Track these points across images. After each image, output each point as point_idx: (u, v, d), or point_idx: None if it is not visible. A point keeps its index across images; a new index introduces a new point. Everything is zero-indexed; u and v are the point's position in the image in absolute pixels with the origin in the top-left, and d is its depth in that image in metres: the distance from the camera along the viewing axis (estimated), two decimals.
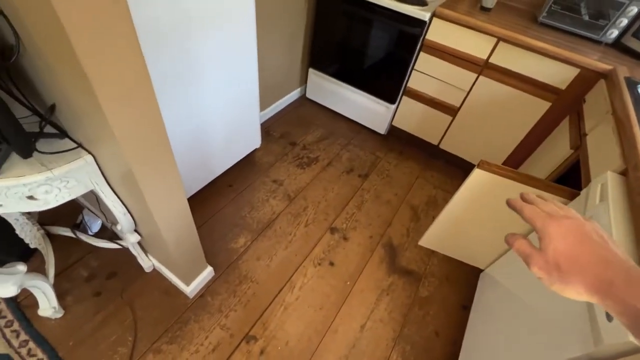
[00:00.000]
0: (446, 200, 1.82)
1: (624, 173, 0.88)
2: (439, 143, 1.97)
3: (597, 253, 0.30)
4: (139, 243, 1.20)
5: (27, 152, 0.69)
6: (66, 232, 1.28)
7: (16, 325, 1.07)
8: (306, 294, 1.33)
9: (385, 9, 1.64)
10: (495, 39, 1.47)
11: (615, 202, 0.78)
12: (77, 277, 1.23)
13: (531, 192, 1.05)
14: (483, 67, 1.57)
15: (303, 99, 2.35)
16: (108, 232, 1.37)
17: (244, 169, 1.76)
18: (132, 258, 1.28)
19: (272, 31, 1.72)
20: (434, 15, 1.56)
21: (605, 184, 0.84)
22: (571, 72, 1.38)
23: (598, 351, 0.59)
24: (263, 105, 2.01)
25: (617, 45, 1.47)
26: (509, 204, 0.39)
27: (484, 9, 1.59)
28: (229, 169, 1.69)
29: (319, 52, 2.07)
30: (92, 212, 1.36)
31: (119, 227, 1.08)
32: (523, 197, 0.38)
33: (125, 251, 1.29)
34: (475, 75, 1.61)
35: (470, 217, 1.27)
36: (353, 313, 1.31)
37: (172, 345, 1.13)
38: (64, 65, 0.57)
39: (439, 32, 1.59)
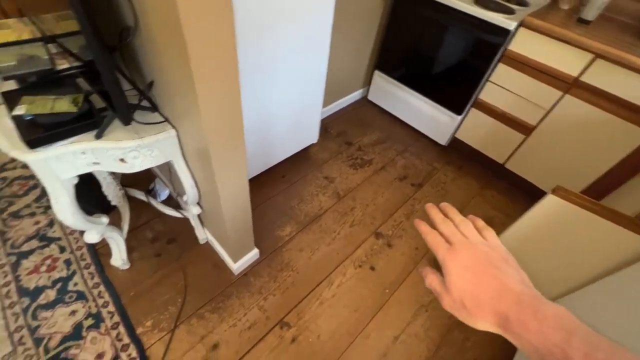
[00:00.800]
0: (505, 225, 1.69)
1: None
2: (505, 162, 1.83)
3: (493, 286, 0.29)
4: (199, 216, 1.31)
5: (127, 120, 0.79)
6: (140, 195, 1.44)
7: (92, 269, 1.24)
8: (343, 293, 1.34)
9: (465, 15, 1.56)
10: (591, 55, 1.32)
11: None
12: (143, 237, 1.38)
13: (614, 228, 0.93)
14: (571, 85, 1.42)
15: (364, 100, 2.34)
16: (173, 201, 1.51)
17: (298, 162, 1.82)
18: (190, 229, 1.39)
19: (345, 29, 1.74)
20: (521, 24, 1.45)
21: None
22: None
23: None
24: (324, 102, 2.05)
25: None
26: (416, 223, 0.38)
27: (582, 21, 1.44)
28: (285, 160, 1.76)
29: (388, 54, 2.05)
30: (163, 182, 1.51)
31: (184, 198, 1.18)
32: (440, 210, 0.37)
33: (186, 221, 1.41)
34: (561, 93, 1.46)
35: (533, 247, 1.16)
36: (388, 322, 1.28)
37: (214, 314, 1.21)
38: (171, 48, 0.65)
39: (525, 43, 1.47)
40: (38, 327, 1.08)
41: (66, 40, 0.97)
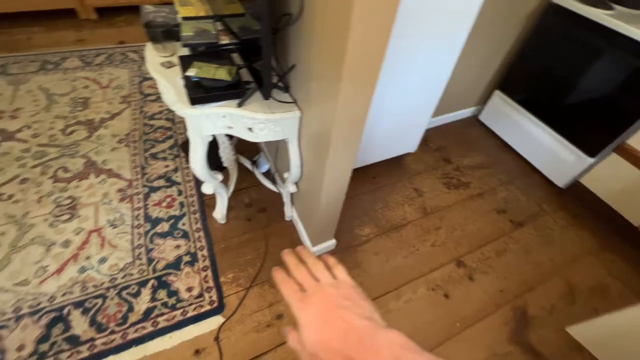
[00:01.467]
0: (623, 298, 1.40)
1: None
2: None
3: (340, 328, 0.29)
4: (292, 194, 1.40)
5: (267, 95, 0.89)
6: (247, 163, 1.61)
7: (197, 216, 1.44)
8: (409, 310, 1.28)
9: (628, 40, 1.31)
10: None
11: None
12: (240, 201, 1.55)
13: None
14: None
15: (473, 119, 2.18)
16: (270, 175, 1.65)
17: (391, 168, 1.79)
18: (280, 204, 1.50)
19: (478, 40, 1.63)
20: None
21: None
22: None
23: None
24: (433, 113, 1.97)
25: None
26: (274, 271, 0.38)
27: None
28: (378, 162, 1.75)
29: (516, 74, 1.85)
30: (266, 156, 1.66)
31: (285, 175, 1.28)
32: (295, 254, 0.37)
33: (278, 196, 1.53)
34: None
35: None
36: (452, 357, 1.18)
37: None
38: (328, 38, 0.70)
39: None
40: (152, 249, 1.31)
41: (230, 20, 1.13)
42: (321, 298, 0.33)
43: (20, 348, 1.04)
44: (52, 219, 1.35)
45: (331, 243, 1.40)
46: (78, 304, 1.14)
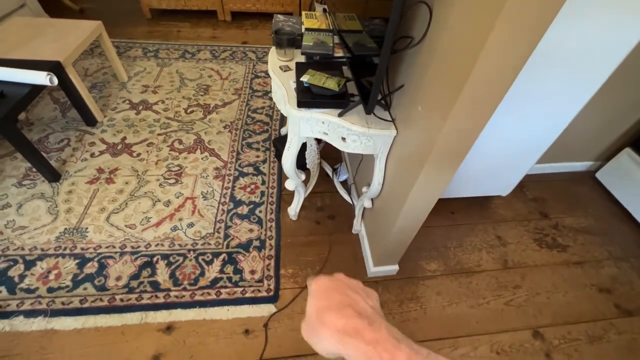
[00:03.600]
0: None
1: None
2: None
3: (339, 300, 0.33)
4: (365, 209, 1.40)
5: (371, 110, 0.92)
6: (328, 169, 1.67)
7: (273, 207, 1.55)
8: None
9: None
10: None
11: None
12: (314, 203, 1.61)
13: None
14: None
15: (587, 176, 1.87)
16: (347, 186, 1.68)
17: (474, 207, 1.66)
18: (351, 216, 1.52)
19: (613, 89, 1.42)
20: None
21: None
22: None
23: None
24: (541, 157, 1.76)
25: None
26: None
27: None
28: (461, 198, 1.64)
29: None
30: (346, 167, 1.70)
31: (364, 189, 1.29)
32: None
33: (349, 207, 1.55)
34: None
35: None
36: None
37: None
38: (449, 70, 0.69)
39: None
40: (230, 227, 1.46)
41: (347, 35, 1.20)
42: (330, 278, 0.36)
43: (118, 278, 1.26)
44: (162, 180, 1.60)
45: (393, 268, 1.35)
46: (165, 256, 1.33)
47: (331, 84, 1.01)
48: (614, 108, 1.54)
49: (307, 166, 1.63)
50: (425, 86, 0.81)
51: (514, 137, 1.29)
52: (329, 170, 1.67)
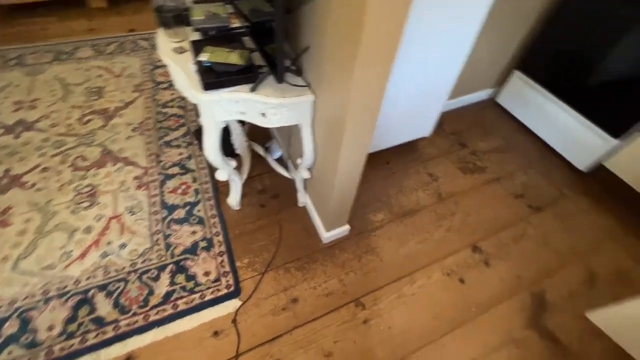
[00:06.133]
0: None
1: None
2: None
3: None
4: (305, 180, 1.40)
5: (281, 79, 0.88)
6: (260, 150, 1.61)
7: (212, 202, 1.46)
8: (424, 295, 1.28)
9: None
10: None
11: None
12: (254, 187, 1.55)
13: None
14: None
15: (491, 102, 2.10)
16: (283, 162, 1.65)
17: (404, 153, 1.76)
18: (293, 190, 1.50)
19: (497, 18, 1.56)
20: None
21: None
22: None
23: None
24: (450, 94, 1.91)
25: None
26: None
27: None
28: (392, 147, 1.72)
29: (537, 53, 1.77)
30: (278, 143, 1.66)
31: (299, 161, 1.27)
32: None
33: (290, 182, 1.53)
34: None
35: None
36: (468, 341, 1.18)
37: (299, 272, 1.31)
38: (345, 19, 0.67)
39: None
40: (169, 235, 1.34)
41: (240, 2, 1.10)
42: None
43: (50, 328, 1.09)
44: (74, 206, 1.39)
45: (345, 229, 1.40)
46: (102, 287, 1.19)
47: (234, 58, 0.93)
48: (501, 34, 1.70)
49: (237, 151, 1.55)
50: (327, 43, 0.79)
51: (420, 81, 1.37)
52: (261, 151, 1.61)
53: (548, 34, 1.69)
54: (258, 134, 1.70)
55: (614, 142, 1.54)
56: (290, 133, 1.43)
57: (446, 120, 1.95)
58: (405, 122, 1.57)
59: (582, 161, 1.70)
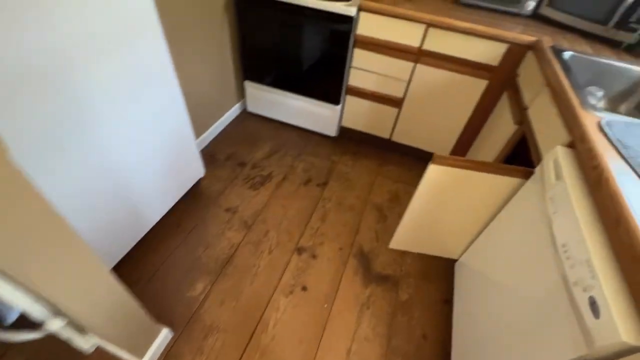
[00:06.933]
0: (408, 193, 1.80)
1: (571, 145, 0.86)
2: (391, 136, 1.94)
3: None
4: (69, 324, 1.00)
5: None
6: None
7: None
8: (283, 329, 1.21)
9: (309, 9, 1.55)
10: (424, 26, 1.45)
11: (571, 179, 0.75)
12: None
13: (486, 177, 1.03)
14: (418, 55, 1.55)
15: (245, 114, 2.20)
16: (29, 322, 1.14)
17: (191, 204, 1.59)
18: (64, 344, 1.06)
19: (194, 45, 1.56)
20: (360, 9, 1.50)
21: (557, 160, 0.82)
22: (500, 48, 1.40)
23: (591, 354, 0.54)
24: (201, 129, 1.84)
25: (536, 16, 1.51)
26: None
27: None
28: (174, 208, 1.51)
29: (251, 62, 1.94)
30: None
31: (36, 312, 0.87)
32: None
33: (54, 338, 1.07)
34: (412, 64, 1.58)
35: (434, 210, 1.22)
36: (336, 339, 1.21)
37: None
38: None
39: (369, 26, 1.54)
40: None
41: None
42: None
43: None
44: None
45: (164, 334, 1.11)
46: None
47: None
48: (209, 58, 1.74)
49: None
50: None
51: (148, 136, 1.21)
52: None
53: (247, 43, 1.86)
54: None
55: (338, 107, 1.91)
56: None
57: (215, 149, 1.90)
58: (165, 181, 1.38)
59: (330, 129, 2.05)
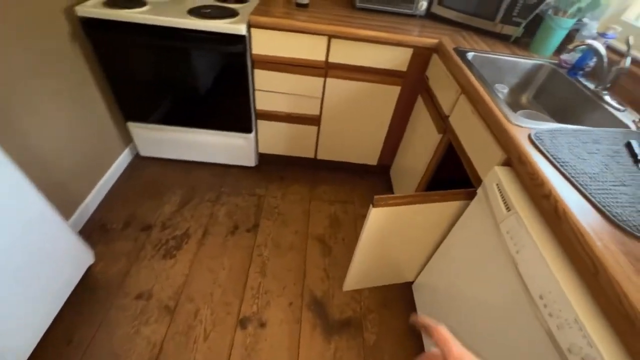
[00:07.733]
0: (347, 213, 1.68)
1: (507, 162, 0.81)
2: (315, 155, 1.79)
3: None
4: None
5: None
6: None
7: None
8: None
9: (191, 32, 1.27)
10: (325, 38, 1.31)
11: (524, 211, 0.68)
12: None
13: (429, 206, 0.95)
14: (326, 69, 1.41)
15: (138, 160, 1.80)
16: None
17: (84, 304, 1.19)
18: None
19: (37, 94, 1.14)
20: (250, 25, 1.28)
21: (502, 185, 0.75)
22: (406, 53, 1.34)
23: None
24: (80, 194, 1.42)
25: (430, 15, 1.50)
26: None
27: (300, 6, 1.41)
28: (58, 319, 1.11)
29: (129, 99, 1.55)
30: None
31: None
32: None
33: None
34: (322, 79, 1.44)
35: (382, 247, 1.11)
36: None
37: None
38: None
39: (264, 43, 1.33)
40: None
41: None
42: None
43: None
44: None
45: None
46: None
47: None
48: (68, 106, 1.32)
49: None
50: None
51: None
52: None
53: (117, 82, 1.47)
54: None
55: (251, 135, 1.67)
56: None
57: (106, 216, 1.49)
58: (36, 290, 0.98)
59: (247, 159, 1.80)
